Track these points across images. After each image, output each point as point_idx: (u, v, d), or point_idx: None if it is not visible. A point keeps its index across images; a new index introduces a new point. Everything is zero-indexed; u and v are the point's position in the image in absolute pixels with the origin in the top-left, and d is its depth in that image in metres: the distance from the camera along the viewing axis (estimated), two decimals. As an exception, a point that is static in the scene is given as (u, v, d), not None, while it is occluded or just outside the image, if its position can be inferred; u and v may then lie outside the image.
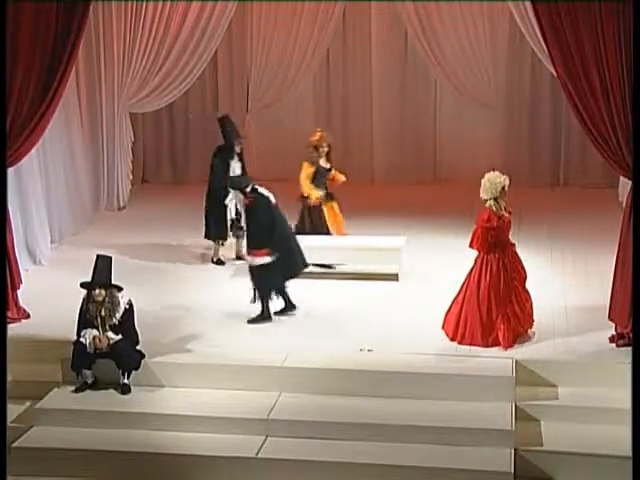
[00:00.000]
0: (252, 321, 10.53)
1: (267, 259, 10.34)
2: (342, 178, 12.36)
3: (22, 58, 10.11)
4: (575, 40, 9.38)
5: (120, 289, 9.64)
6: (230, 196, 11.93)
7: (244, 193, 10.48)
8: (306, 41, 15.96)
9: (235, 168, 12.38)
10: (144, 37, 14.20)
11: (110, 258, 9.67)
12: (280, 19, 16.04)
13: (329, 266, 12.07)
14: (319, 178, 12.15)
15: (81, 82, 14.08)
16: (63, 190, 13.58)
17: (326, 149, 12.14)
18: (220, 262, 12.50)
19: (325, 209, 12.25)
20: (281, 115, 16.70)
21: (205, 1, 14.10)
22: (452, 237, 12.58)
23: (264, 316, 10.56)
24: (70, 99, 13.34)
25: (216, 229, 12.39)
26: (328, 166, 12.22)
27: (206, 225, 12.48)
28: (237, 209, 11.98)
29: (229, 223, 12.34)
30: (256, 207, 10.40)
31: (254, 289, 10.55)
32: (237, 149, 12.42)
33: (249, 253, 10.53)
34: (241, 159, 12.51)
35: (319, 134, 12.21)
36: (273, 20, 16.09)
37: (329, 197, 12.27)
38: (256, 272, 10.47)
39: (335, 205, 12.33)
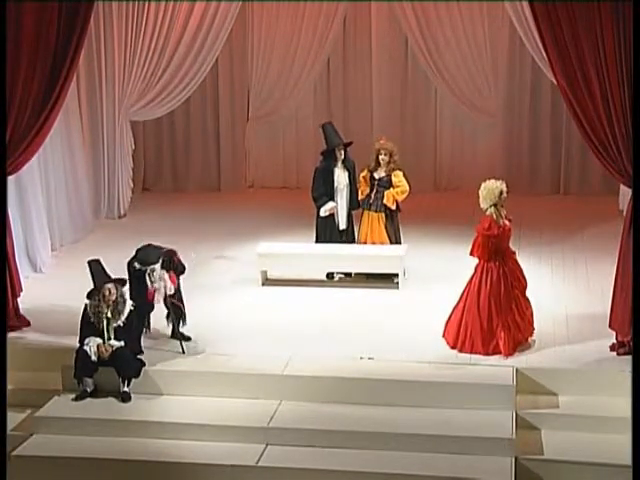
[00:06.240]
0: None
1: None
2: (389, 202, 11.86)
3: (23, 65, 10.11)
4: (575, 48, 9.38)
5: (125, 284, 9.75)
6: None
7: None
8: (306, 50, 16.02)
9: (340, 177, 11.88)
10: (145, 45, 14.22)
11: (99, 260, 9.72)
12: (281, 28, 16.08)
13: (349, 275, 12.11)
14: (371, 186, 11.88)
15: (82, 90, 14.09)
16: (64, 198, 13.57)
17: (386, 158, 11.76)
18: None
19: (365, 217, 12.00)
20: (282, 124, 16.71)
21: (207, 3, 14.13)
22: (452, 245, 12.58)
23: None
24: (71, 107, 13.33)
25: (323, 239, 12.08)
26: (379, 176, 11.85)
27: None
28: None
29: None
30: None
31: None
32: (339, 154, 11.74)
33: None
34: (347, 167, 11.87)
35: (378, 142, 11.94)
36: (274, 29, 16.13)
37: (368, 206, 11.92)
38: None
39: (377, 216, 11.93)
